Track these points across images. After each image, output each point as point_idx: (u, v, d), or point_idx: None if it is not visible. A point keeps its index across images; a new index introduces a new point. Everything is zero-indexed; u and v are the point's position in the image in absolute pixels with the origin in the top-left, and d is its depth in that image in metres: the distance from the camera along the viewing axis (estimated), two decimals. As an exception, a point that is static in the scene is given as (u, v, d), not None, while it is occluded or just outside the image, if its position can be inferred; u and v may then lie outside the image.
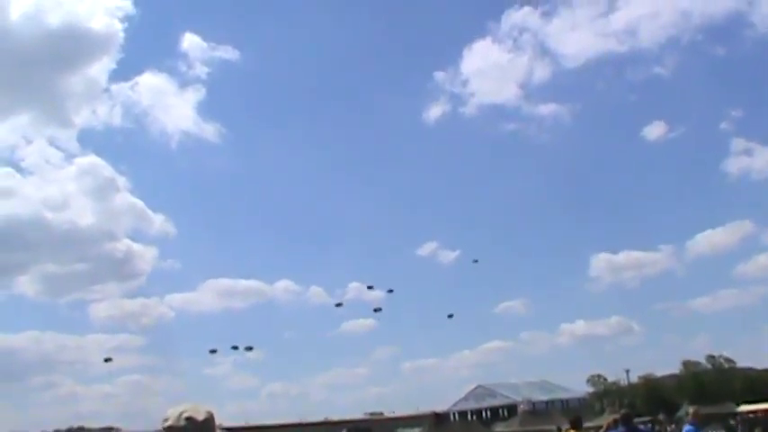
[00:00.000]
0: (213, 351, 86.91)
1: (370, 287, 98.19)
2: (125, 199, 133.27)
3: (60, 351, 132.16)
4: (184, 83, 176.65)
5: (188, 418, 2.87)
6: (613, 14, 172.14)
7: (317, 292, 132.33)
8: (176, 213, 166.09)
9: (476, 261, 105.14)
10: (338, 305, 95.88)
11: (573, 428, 12.10)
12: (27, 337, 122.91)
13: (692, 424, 12.34)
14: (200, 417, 2.90)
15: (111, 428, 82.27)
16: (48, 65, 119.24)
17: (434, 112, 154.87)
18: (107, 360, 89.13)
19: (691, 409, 12.91)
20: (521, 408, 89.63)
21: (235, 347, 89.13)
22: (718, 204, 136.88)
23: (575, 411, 58.00)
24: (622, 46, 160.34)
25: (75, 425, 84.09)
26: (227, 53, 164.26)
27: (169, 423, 2.89)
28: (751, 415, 61.30)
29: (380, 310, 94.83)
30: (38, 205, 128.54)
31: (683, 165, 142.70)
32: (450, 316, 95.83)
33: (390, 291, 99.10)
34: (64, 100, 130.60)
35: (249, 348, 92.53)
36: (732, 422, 58.58)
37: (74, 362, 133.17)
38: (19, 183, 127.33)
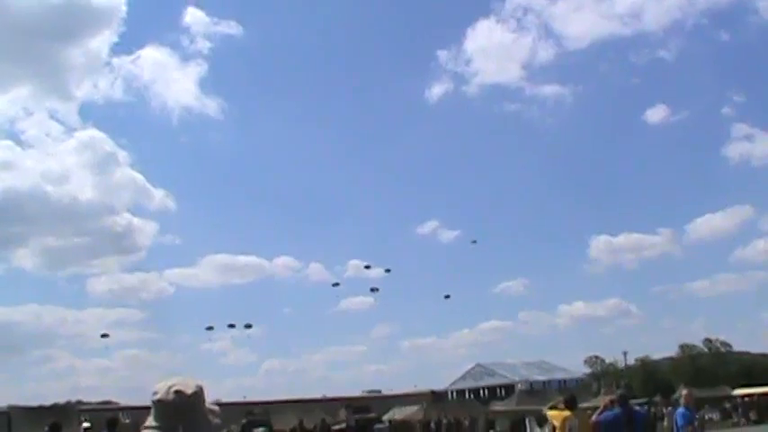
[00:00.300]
0: (210, 328, 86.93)
1: (367, 266, 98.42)
2: (125, 173, 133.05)
3: (59, 325, 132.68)
4: (186, 57, 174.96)
5: (177, 392, 2.85)
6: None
7: (316, 269, 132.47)
8: (177, 188, 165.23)
9: (474, 242, 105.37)
10: (335, 285, 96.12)
11: (567, 408, 12.14)
12: (26, 310, 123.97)
13: (685, 407, 12.44)
14: (189, 390, 2.87)
15: (108, 402, 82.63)
16: (49, 37, 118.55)
17: (437, 90, 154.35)
18: (104, 336, 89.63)
19: (684, 392, 12.98)
20: (518, 387, 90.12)
21: (231, 325, 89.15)
22: (718, 189, 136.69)
23: (572, 391, 58.22)
24: (626, 28, 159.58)
25: (73, 398, 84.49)
26: (230, 28, 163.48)
27: (158, 396, 2.86)
28: (746, 399, 61.54)
29: (377, 290, 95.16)
30: (38, 178, 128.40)
31: (684, 149, 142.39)
32: (447, 297, 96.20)
33: (388, 270, 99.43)
34: (65, 73, 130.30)
35: (248, 326, 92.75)
36: (728, 405, 58.87)
37: (72, 336, 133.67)
38: (19, 156, 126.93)
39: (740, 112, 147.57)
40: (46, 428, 14.00)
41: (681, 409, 12.51)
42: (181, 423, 2.82)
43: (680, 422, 12.42)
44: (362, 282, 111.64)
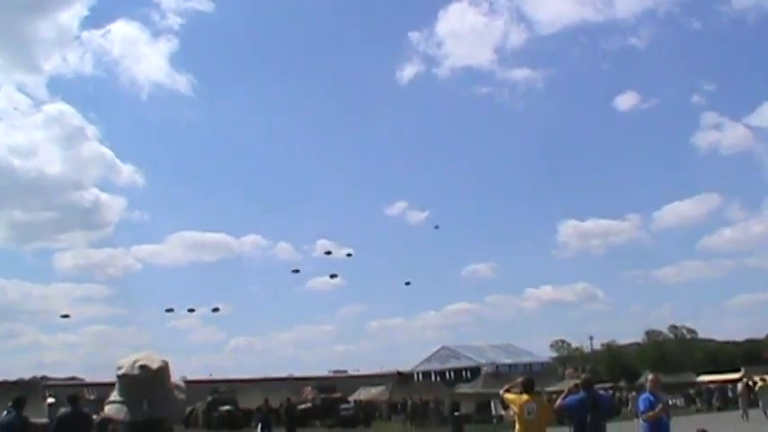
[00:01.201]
0: (170, 310, 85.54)
1: (328, 252, 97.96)
2: (94, 148, 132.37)
3: (24, 300, 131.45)
4: (157, 33, 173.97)
5: (142, 367, 2.83)
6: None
7: (284, 248, 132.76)
8: (146, 164, 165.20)
9: (437, 227, 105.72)
10: (295, 271, 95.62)
11: (525, 391, 11.90)
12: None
13: (650, 391, 12.21)
14: (155, 365, 2.85)
15: (74, 378, 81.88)
16: (19, 10, 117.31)
17: (408, 72, 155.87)
18: (64, 316, 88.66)
19: (650, 376, 12.71)
20: (484, 370, 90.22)
21: (191, 310, 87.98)
22: (687, 177, 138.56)
23: (538, 375, 58.37)
24: (599, 15, 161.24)
25: (38, 374, 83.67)
26: (201, 4, 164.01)
27: (123, 371, 2.84)
28: (711, 385, 62.10)
29: (336, 276, 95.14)
30: (4, 152, 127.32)
31: (653, 136, 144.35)
32: (408, 283, 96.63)
33: (349, 254, 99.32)
34: (34, 46, 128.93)
35: (215, 309, 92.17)
36: (692, 392, 59.31)
37: (38, 311, 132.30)
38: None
39: (710, 100, 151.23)
40: (10, 403, 13.60)
41: (645, 394, 12.27)
42: (145, 398, 2.80)
43: (641, 407, 12.21)
44: (330, 262, 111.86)
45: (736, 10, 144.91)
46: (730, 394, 51.92)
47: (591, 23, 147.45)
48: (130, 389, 2.83)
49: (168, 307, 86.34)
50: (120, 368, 2.86)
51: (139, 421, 2.82)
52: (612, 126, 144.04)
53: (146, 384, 2.82)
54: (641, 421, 12.13)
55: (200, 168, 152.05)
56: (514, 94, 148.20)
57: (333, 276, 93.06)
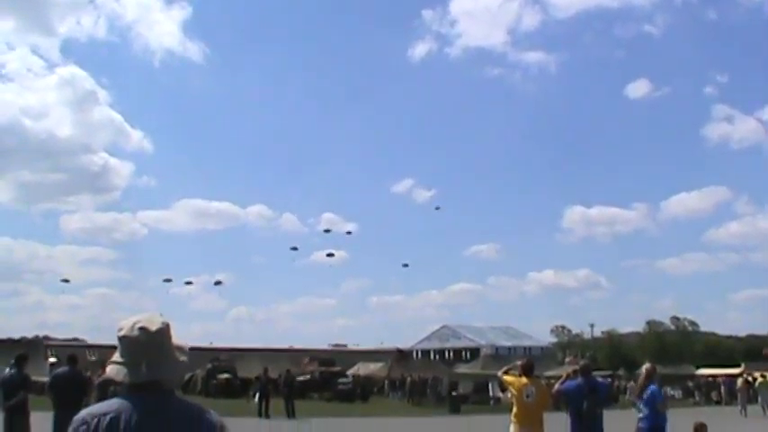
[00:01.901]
0: (168, 280, 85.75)
1: (326, 231, 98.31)
2: (104, 112, 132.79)
3: (30, 260, 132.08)
4: (170, 0, 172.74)
5: (141, 328, 2.86)
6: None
7: (289, 219, 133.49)
8: (155, 131, 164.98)
9: (437, 208, 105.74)
10: (293, 249, 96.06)
11: (524, 374, 11.90)
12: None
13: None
14: (154, 327, 2.88)
15: (76, 339, 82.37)
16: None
17: (420, 50, 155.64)
18: (65, 281, 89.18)
19: (648, 365, 12.49)
20: (483, 351, 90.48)
21: (188, 282, 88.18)
22: (696, 169, 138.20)
23: (537, 359, 58.38)
24: (614, 1, 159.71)
25: (41, 334, 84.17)
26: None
27: (123, 332, 2.87)
28: (710, 379, 62.10)
29: (333, 254, 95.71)
30: (16, 112, 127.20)
31: (663, 125, 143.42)
32: (406, 265, 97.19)
33: (349, 233, 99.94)
34: (49, 8, 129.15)
35: (218, 283, 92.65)
36: (690, 384, 59.37)
37: (43, 271, 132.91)
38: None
39: (722, 92, 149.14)
40: (11, 361, 13.72)
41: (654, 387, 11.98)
42: (145, 359, 2.83)
43: (659, 399, 11.90)
44: (334, 236, 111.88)
45: (754, 2, 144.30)
46: (729, 389, 51.90)
47: (606, 9, 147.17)
48: (130, 350, 2.85)
49: (167, 277, 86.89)
50: (120, 329, 2.89)
51: (137, 383, 2.84)
52: (623, 113, 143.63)
53: (144, 346, 2.85)
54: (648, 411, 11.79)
55: (208, 137, 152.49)
56: (526, 76, 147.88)
57: (330, 255, 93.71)
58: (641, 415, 11.68)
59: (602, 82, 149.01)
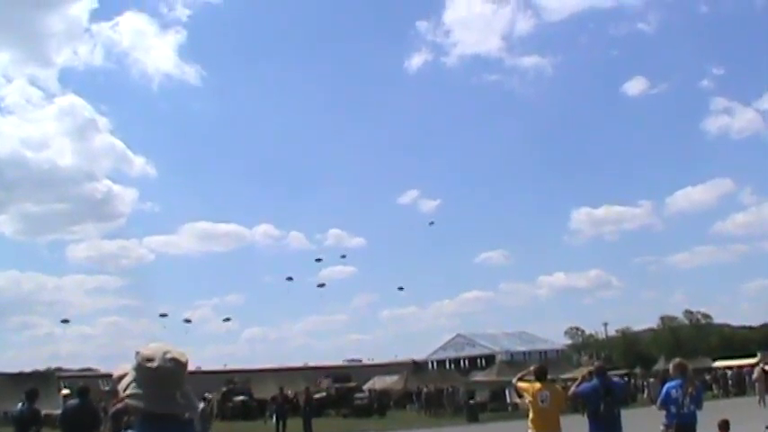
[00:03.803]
0: (163, 315, 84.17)
1: (318, 260, 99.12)
2: (105, 140, 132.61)
3: (39, 291, 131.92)
4: (165, 25, 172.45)
5: (172, 359, 2.85)
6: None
7: (297, 238, 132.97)
8: (157, 155, 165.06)
9: (432, 223, 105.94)
10: (318, 260, 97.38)
11: (537, 379, 11.88)
12: (5, 276, 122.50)
13: (679, 378, 11.71)
14: (183, 358, 2.89)
15: (89, 369, 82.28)
16: (29, 4, 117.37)
17: (416, 61, 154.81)
18: (64, 321, 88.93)
19: (677, 360, 12.27)
20: (499, 358, 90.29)
21: (187, 321, 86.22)
22: (698, 162, 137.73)
23: (553, 363, 58.31)
24: (606, 1, 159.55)
25: (53, 365, 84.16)
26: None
27: (156, 364, 2.83)
28: (726, 371, 61.78)
29: (345, 256, 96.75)
30: (17, 144, 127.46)
31: (663, 121, 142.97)
32: (401, 289, 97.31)
33: (343, 256, 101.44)
34: (45, 39, 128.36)
35: (227, 319, 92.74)
36: (707, 377, 59.04)
37: (52, 302, 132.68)
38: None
39: (719, 85, 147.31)
40: (23, 396, 13.68)
41: (674, 382, 11.75)
42: (178, 390, 2.84)
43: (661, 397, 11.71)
44: (342, 251, 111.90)
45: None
46: (747, 380, 51.58)
47: (598, 9, 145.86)
48: (163, 381, 2.83)
49: (184, 296, 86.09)
50: (151, 360, 2.84)
51: (168, 414, 2.83)
52: (622, 112, 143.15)
53: (178, 377, 2.86)
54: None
55: (210, 158, 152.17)
56: (523, 81, 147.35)
57: (343, 257, 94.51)
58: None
59: (599, 82, 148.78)
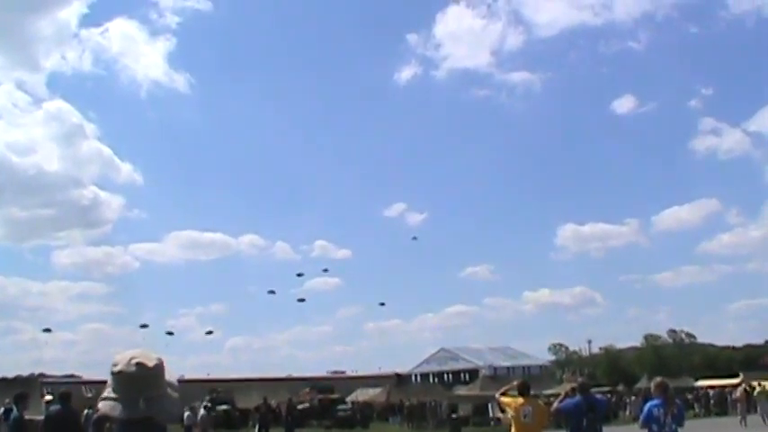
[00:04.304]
0: (144, 326, 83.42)
1: (299, 274, 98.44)
2: (93, 146, 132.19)
3: (23, 297, 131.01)
4: (155, 32, 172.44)
5: (138, 364, 2.84)
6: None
7: (282, 248, 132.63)
8: (144, 163, 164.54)
9: (414, 238, 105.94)
10: (299, 275, 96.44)
11: (520, 394, 11.97)
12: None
13: (660, 398, 11.57)
14: (151, 363, 2.87)
15: (72, 375, 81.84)
16: (17, 8, 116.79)
17: (406, 74, 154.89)
18: (46, 330, 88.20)
19: (658, 379, 12.19)
20: (482, 372, 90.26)
21: (170, 333, 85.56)
22: (685, 182, 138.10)
23: (536, 378, 58.53)
24: (597, 18, 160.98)
25: (37, 371, 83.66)
26: (199, 3, 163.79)
27: (119, 368, 2.84)
28: (709, 390, 62.04)
29: (327, 270, 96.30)
30: (3, 149, 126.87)
31: (651, 140, 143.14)
32: (382, 304, 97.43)
33: (325, 270, 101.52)
34: (33, 44, 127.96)
35: (209, 332, 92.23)
36: (690, 397, 59.23)
37: (36, 308, 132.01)
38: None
39: (708, 105, 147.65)
40: (7, 401, 13.59)
41: (655, 401, 11.62)
42: (142, 395, 2.82)
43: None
44: (328, 263, 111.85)
45: (735, 14, 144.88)
46: (729, 399, 51.85)
47: (589, 27, 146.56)
48: (127, 386, 2.83)
49: (168, 304, 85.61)
50: (115, 365, 2.87)
51: (135, 419, 2.82)
52: (610, 130, 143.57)
53: (141, 382, 2.83)
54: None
55: (197, 167, 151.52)
56: (512, 96, 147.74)
57: (325, 270, 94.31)
58: None
59: (588, 99, 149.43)
